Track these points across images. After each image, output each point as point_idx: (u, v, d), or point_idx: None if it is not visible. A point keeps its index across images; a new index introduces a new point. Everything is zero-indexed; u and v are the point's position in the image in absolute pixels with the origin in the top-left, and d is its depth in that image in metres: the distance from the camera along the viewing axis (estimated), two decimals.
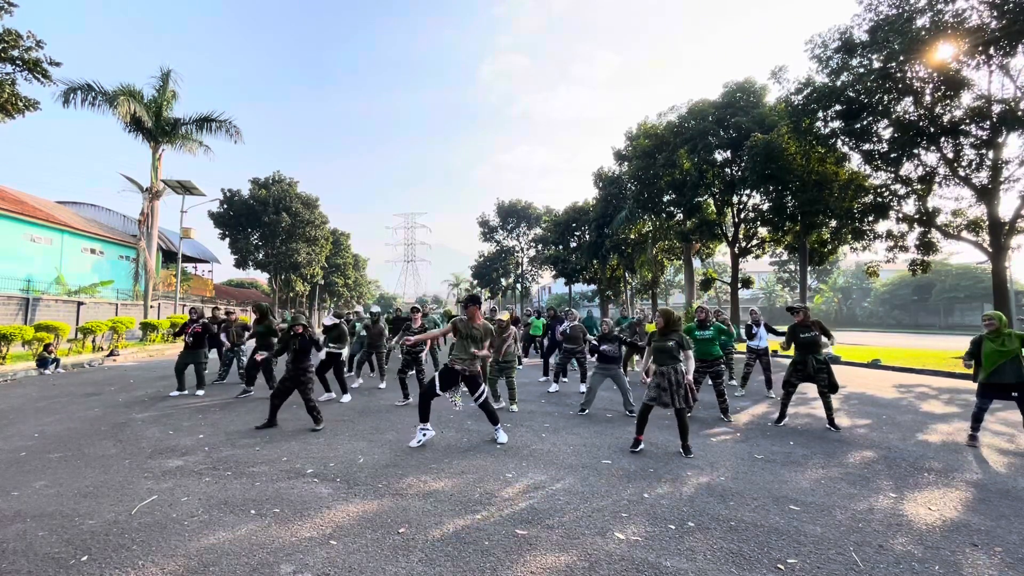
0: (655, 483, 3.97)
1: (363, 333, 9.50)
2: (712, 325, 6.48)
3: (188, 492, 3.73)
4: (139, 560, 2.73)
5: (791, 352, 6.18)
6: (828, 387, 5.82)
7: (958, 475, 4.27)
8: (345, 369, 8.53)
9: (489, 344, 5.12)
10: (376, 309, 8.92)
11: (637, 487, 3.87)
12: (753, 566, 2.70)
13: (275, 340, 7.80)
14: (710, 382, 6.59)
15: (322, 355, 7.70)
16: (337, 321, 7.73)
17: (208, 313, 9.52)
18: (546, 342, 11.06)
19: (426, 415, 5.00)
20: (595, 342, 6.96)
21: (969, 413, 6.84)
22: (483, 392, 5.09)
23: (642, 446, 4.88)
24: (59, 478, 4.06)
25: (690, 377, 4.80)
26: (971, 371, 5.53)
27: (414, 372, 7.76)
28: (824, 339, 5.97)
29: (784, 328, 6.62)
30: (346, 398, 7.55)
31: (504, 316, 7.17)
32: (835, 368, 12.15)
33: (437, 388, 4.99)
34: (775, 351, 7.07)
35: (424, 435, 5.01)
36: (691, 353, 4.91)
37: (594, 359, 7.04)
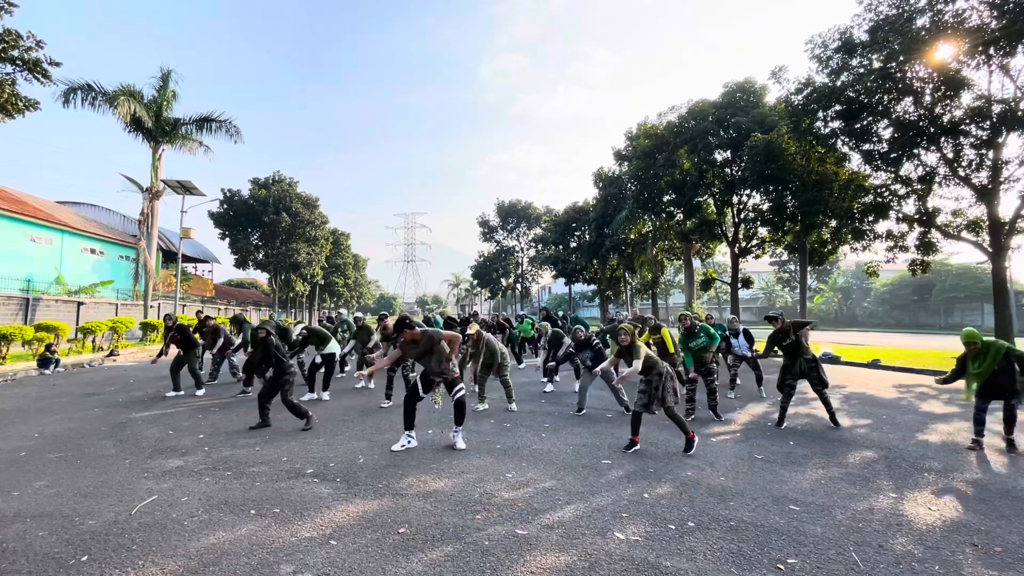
0: (655, 483, 3.97)
1: (349, 337, 9.68)
2: (700, 329, 6.47)
3: (188, 492, 3.73)
4: (139, 560, 2.73)
5: (780, 353, 6.26)
6: (819, 383, 5.88)
7: (958, 475, 4.27)
8: (337, 371, 8.66)
9: (445, 344, 4.92)
10: (359, 315, 9.35)
11: (637, 487, 3.87)
12: (753, 566, 2.70)
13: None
14: (702, 380, 6.61)
15: (317, 358, 7.83)
16: (309, 328, 8.08)
17: (192, 315, 9.66)
18: (542, 342, 11.24)
19: (411, 422, 4.92)
20: (572, 351, 7.12)
21: (970, 413, 6.86)
22: (460, 389, 4.96)
23: (638, 447, 4.88)
24: (59, 478, 4.06)
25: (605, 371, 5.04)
26: (951, 384, 5.60)
27: (401, 371, 7.84)
28: (807, 331, 6.04)
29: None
30: (325, 395, 7.72)
31: (471, 330, 7.17)
32: (835, 368, 12.25)
33: (420, 391, 4.93)
34: (762, 356, 7.09)
35: (408, 442, 4.90)
36: (637, 364, 4.85)
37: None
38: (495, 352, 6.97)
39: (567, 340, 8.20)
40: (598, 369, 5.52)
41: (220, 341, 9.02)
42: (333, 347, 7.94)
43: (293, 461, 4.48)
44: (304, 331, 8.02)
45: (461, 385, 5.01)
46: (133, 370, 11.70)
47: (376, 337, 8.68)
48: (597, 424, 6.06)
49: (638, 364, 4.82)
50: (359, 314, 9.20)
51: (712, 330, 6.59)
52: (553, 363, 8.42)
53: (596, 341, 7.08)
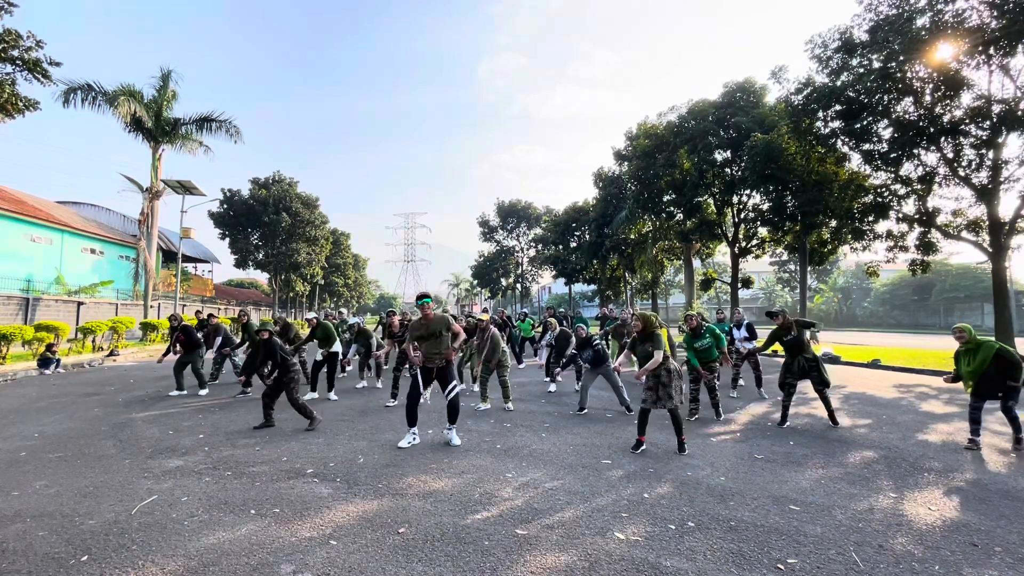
0: (655, 483, 3.97)
1: (348, 337, 9.71)
2: (706, 330, 6.48)
3: (188, 492, 3.73)
4: (139, 560, 2.73)
5: (781, 350, 6.26)
6: (819, 383, 5.86)
7: (958, 475, 4.27)
8: (338, 371, 8.67)
9: (451, 331, 5.00)
10: (355, 320, 9.33)
11: (637, 487, 3.87)
12: (753, 566, 2.70)
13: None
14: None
15: (318, 356, 7.80)
16: (316, 316, 7.92)
17: (191, 315, 9.66)
18: (543, 343, 11.28)
19: (413, 419, 5.01)
20: (574, 351, 7.13)
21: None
22: (454, 388, 5.01)
23: (644, 447, 4.87)
24: (59, 478, 4.06)
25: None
26: (957, 384, 5.55)
27: (407, 370, 7.85)
28: (808, 333, 6.03)
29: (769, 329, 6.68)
30: (333, 395, 7.65)
31: (483, 317, 7.22)
32: (835, 368, 12.24)
33: (421, 388, 4.97)
34: (761, 350, 7.15)
35: (413, 439, 5.02)
36: (659, 354, 4.78)
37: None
38: (497, 347, 7.03)
39: (573, 340, 8.21)
40: (615, 363, 5.67)
41: (219, 340, 9.03)
42: (337, 346, 7.94)
43: (293, 461, 4.48)
44: (315, 320, 7.98)
45: (455, 383, 5.06)
46: (133, 370, 11.70)
47: (377, 338, 8.69)
48: (597, 424, 6.05)
49: (659, 355, 4.74)
50: (357, 319, 9.25)
51: (718, 331, 6.58)
52: (558, 368, 8.45)
53: (597, 341, 7.07)
